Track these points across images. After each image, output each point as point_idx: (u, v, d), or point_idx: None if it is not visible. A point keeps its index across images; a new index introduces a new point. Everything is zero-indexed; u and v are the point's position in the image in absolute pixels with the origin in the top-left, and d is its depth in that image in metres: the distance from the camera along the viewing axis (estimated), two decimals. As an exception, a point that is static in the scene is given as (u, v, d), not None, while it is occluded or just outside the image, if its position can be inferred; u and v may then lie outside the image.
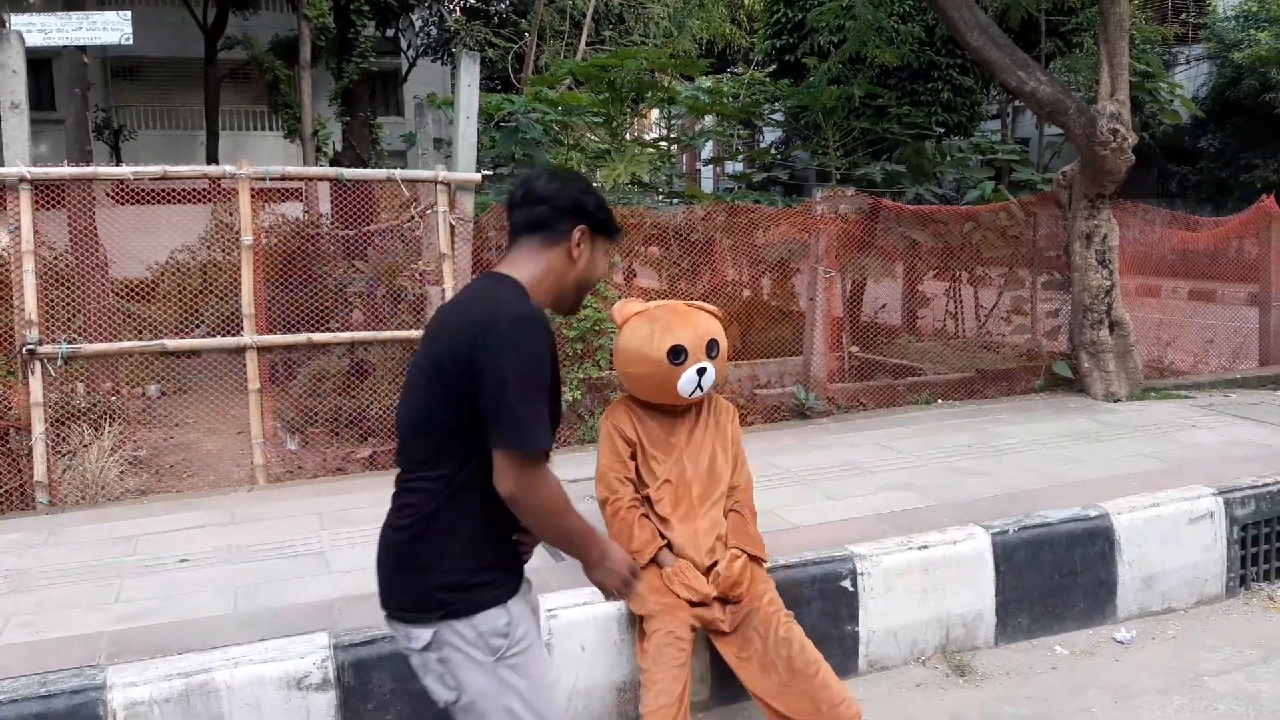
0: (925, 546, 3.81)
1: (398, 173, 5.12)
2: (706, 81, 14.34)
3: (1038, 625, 3.99)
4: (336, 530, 4.02)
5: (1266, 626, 4.05)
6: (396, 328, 5.58)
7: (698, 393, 3.22)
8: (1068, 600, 4.04)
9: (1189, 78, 19.12)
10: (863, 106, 9.74)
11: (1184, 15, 20.73)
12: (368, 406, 5.97)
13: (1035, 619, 3.98)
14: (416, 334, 5.45)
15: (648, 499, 3.25)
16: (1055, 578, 4.01)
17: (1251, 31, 18.10)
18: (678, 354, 3.15)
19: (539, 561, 3.62)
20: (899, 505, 4.26)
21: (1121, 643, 3.95)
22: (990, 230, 6.91)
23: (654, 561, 3.12)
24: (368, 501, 4.44)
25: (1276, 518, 4.46)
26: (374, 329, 5.49)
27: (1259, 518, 4.42)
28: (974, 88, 11.55)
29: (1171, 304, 9.23)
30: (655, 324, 3.21)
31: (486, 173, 6.02)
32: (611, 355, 3.46)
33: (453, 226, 5.30)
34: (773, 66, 12.76)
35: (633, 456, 3.27)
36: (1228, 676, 3.59)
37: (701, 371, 3.18)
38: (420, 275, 5.84)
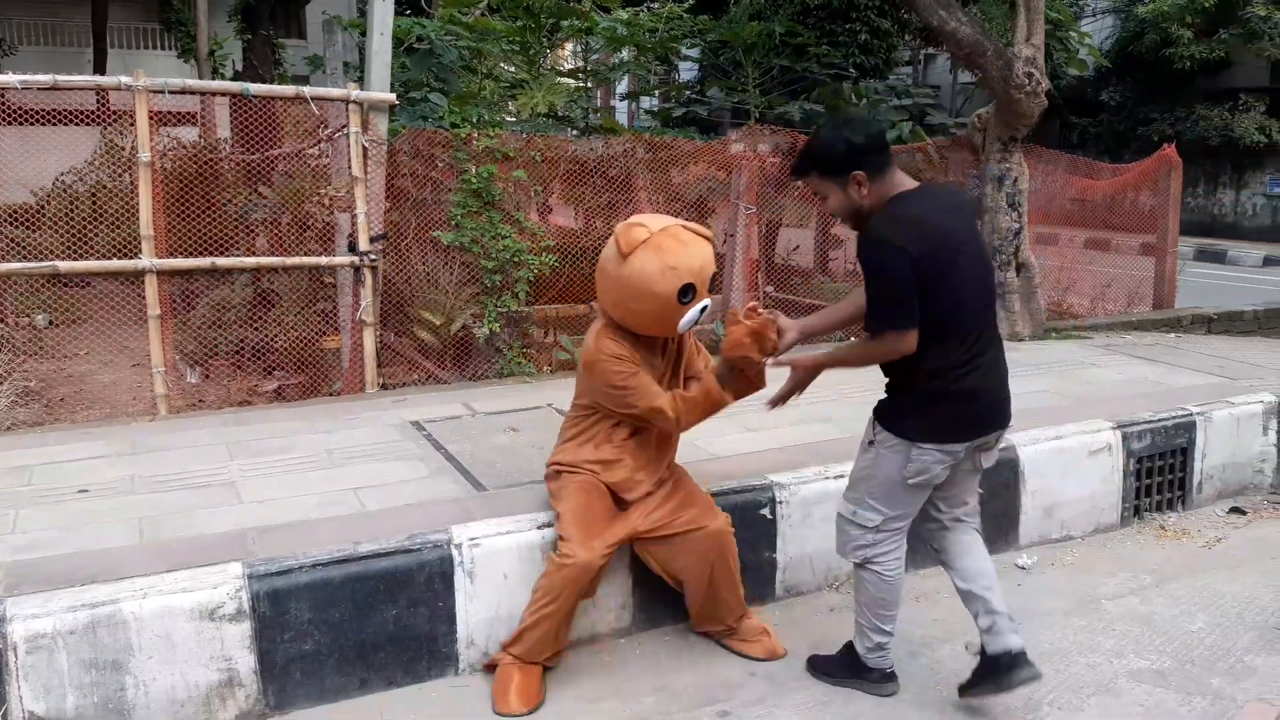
0: (841, 476, 3.86)
1: (307, 90, 4.88)
2: (623, 14, 14.09)
3: (945, 552, 4.12)
4: (247, 460, 3.88)
5: (1158, 553, 4.26)
6: (307, 254, 5.37)
7: (692, 328, 3.07)
8: (973, 528, 4.17)
9: (1094, 30, 19.59)
10: (783, 44, 9.70)
11: (1090, -32, 21.19)
12: (274, 338, 5.78)
13: (943, 546, 4.11)
14: (325, 261, 5.27)
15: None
16: (962, 507, 4.13)
17: (1154, -14, 18.63)
18: (686, 293, 2.93)
19: (461, 492, 3.59)
20: (818, 437, 4.33)
21: (1023, 568, 4.11)
22: (906, 171, 6.98)
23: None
24: (280, 432, 4.32)
25: (1169, 451, 4.69)
26: (284, 255, 5.27)
27: (1153, 451, 4.63)
28: (890, 30, 11.63)
29: (1070, 251, 9.54)
30: (664, 256, 2.91)
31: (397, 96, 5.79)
32: (600, 281, 3.08)
33: (365, 149, 5.09)
34: (691, 0, 12.60)
35: None
36: (1123, 600, 3.77)
37: (704, 309, 3.01)
38: (330, 201, 5.63)
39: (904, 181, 2.84)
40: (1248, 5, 17.27)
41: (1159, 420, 4.68)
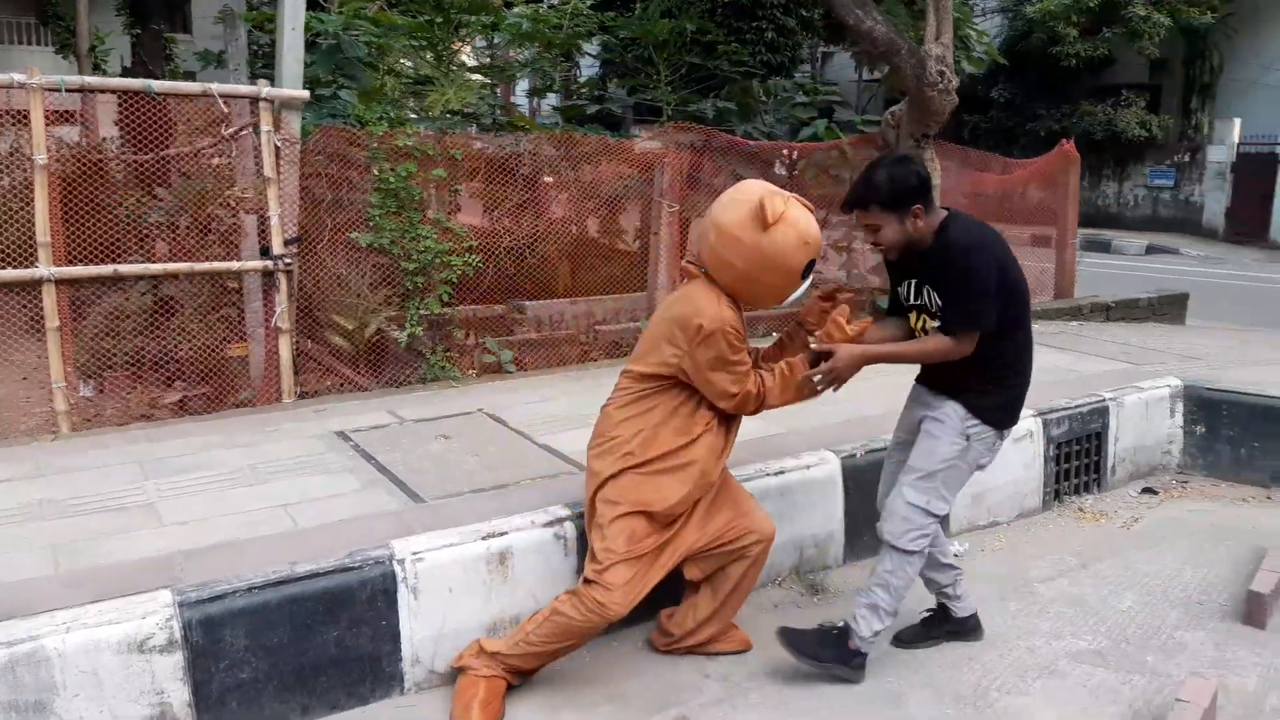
0: (782, 472, 3.89)
1: (215, 86, 4.64)
2: (523, 9, 13.89)
3: (880, 544, 4.17)
4: (164, 479, 3.67)
5: (1080, 535, 4.40)
6: (209, 260, 5.11)
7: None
8: (908, 519, 4.24)
9: (983, 29, 20.25)
10: (693, 42, 9.72)
11: (979, -31, 21.87)
12: (176, 347, 5.50)
13: (879, 538, 4.16)
14: (237, 266, 5.04)
15: None
16: (897, 498, 4.20)
17: (1041, -13, 19.34)
18: (809, 269, 2.91)
19: (398, 504, 3.47)
20: (754, 433, 4.31)
21: (956, 555, 4.18)
22: (822, 167, 7.08)
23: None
24: (195, 447, 4.11)
25: (1085, 436, 4.85)
26: (188, 260, 5.00)
27: (1071, 436, 4.79)
28: (795, 29, 11.76)
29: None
30: (801, 230, 2.84)
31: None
32: (720, 248, 2.86)
33: (278, 148, 4.88)
34: (594, -1, 12.52)
35: None
36: (1053, 582, 3.88)
37: (809, 280, 2.97)
38: (236, 203, 5.38)
39: (939, 209, 3.08)
40: (1129, 5, 18.08)
41: (1075, 407, 4.84)
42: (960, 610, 3.40)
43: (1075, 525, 4.55)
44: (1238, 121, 19.02)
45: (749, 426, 4.39)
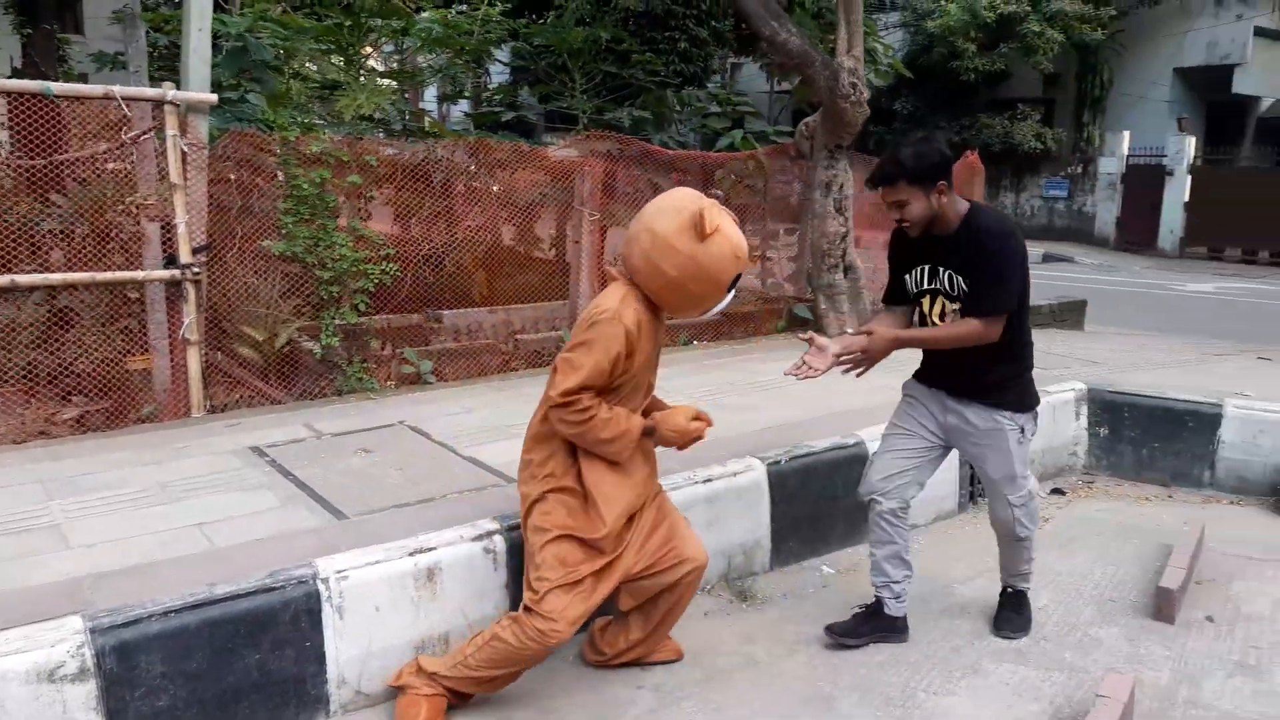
0: (709, 480, 3.91)
1: (118, 89, 4.44)
2: (432, 14, 13.69)
3: (806, 548, 4.24)
4: (70, 499, 3.49)
5: (995, 536, 4.51)
6: (110, 269, 4.88)
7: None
8: (831, 523, 4.32)
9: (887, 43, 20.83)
10: (608, 51, 9.74)
11: (883, -15, 22.50)
12: (73, 361, 5.24)
13: (804, 542, 4.23)
14: (143, 275, 4.83)
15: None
16: (821, 503, 4.27)
17: (942, 3, 19.96)
18: (734, 282, 2.91)
19: (319, 521, 3.37)
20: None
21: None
22: (739, 177, 7.16)
23: (644, 433, 2.93)
24: (102, 465, 3.93)
25: (998, 439, 4.99)
26: (90, 270, 4.77)
27: (984, 440, 4.91)
28: (708, 40, 11.88)
29: (882, 253, 10.02)
30: (734, 242, 2.83)
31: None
32: (654, 255, 2.79)
33: (184, 153, 4.70)
34: (510, 4, 12.43)
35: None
36: (971, 583, 3.98)
37: (732, 294, 2.96)
38: (138, 209, 5.17)
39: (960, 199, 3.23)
40: (1024, 22, 18.80)
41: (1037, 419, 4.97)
42: (896, 610, 3.49)
43: (989, 526, 4.66)
44: (1127, 134, 19.95)
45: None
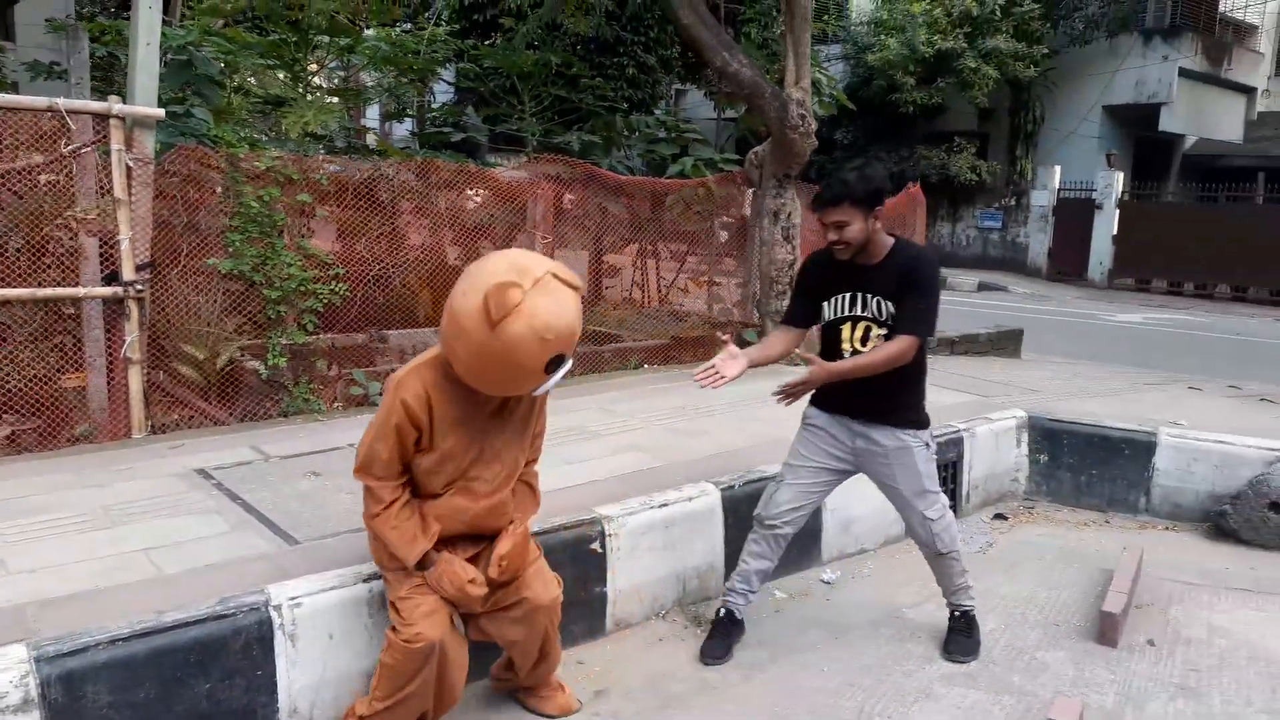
0: (665, 504, 3.92)
1: (62, 102, 4.33)
2: (378, 32, 13.59)
3: (758, 574, 4.25)
4: (6, 523, 3.36)
5: (942, 560, 4.59)
6: (46, 284, 4.73)
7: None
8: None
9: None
10: (558, 75, 9.78)
11: (825, 17, 22.97)
12: (5, 379, 5.07)
13: (756, 568, 4.24)
14: (81, 292, 4.70)
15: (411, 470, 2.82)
16: (773, 529, 4.29)
17: (882, 37, 20.43)
18: (557, 363, 2.62)
19: (270, 547, 3.30)
20: (632, 466, 4.35)
21: (828, 583, 4.32)
22: (688, 204, 7.22)
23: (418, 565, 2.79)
24: (40, 487, 3.80)
25: (943, 465, 5.04)
26: (27, 286, 4.62)
27: (930, 466, 5.00)
28: (655, 67, 12.00)
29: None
30: (538, 324, 2.50)
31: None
32: (447, 334, 2.61)
33: (130, 168, 4.60)
34: (457, 25, 12.42)
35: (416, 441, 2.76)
36: (921, 607, 4.04)
37: (565, 373, 2.68)
38: (77, 224, 5.03)
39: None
40: (961, 57, 19.33)
41: (934, 438, 5.06)
42: (742, 611, 3.65)
43: (936, 551, 4.74)
44: (1058, 169, 20.57)
45: (623, 460, 4.43)
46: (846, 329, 3.36)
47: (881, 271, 3.30)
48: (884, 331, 3.30)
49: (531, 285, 2.51)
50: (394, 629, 2.77)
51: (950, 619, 3.70)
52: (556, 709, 3.16)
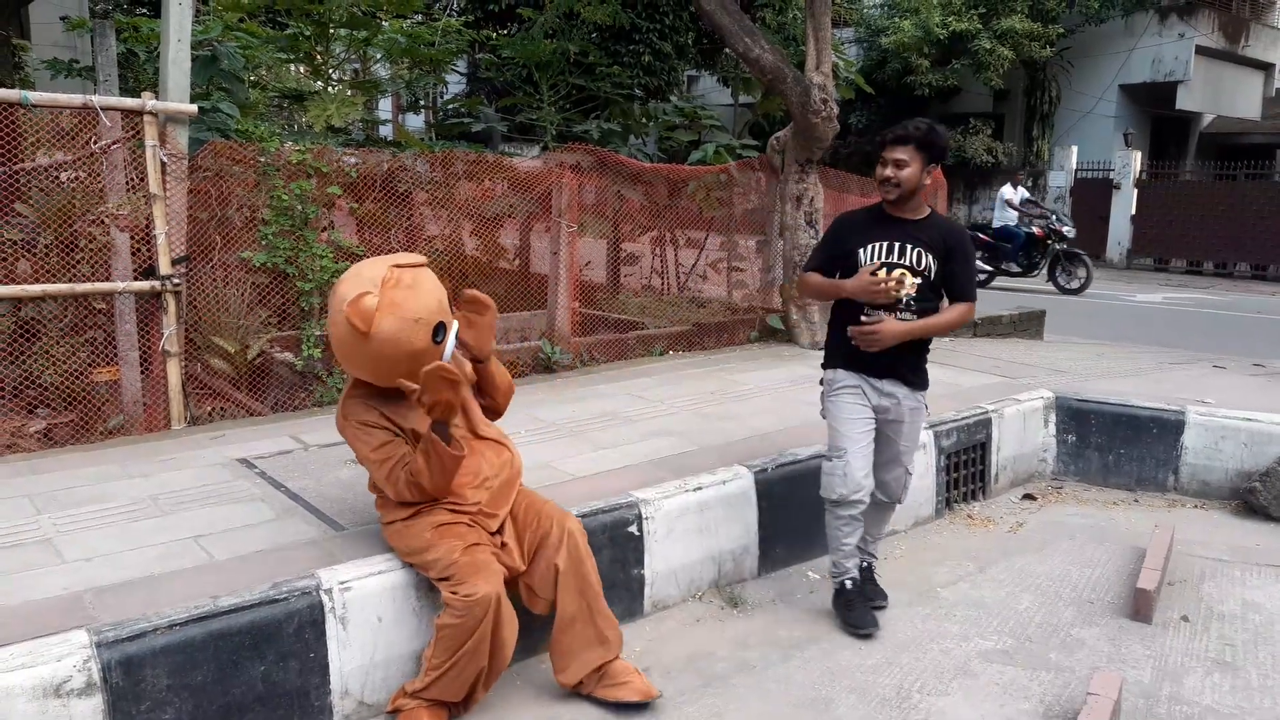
0: (699, 488, 3.96)
1: (97, 99, 4.39)
2: (394, 24, 13.60)
3: (792, 555, 4.30)
4: (59, 513, 3.44)
5: (973, 540, 4.64)
6: (78, 280, 4.80)
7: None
8: (816, 530, 4.35)
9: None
10: (575, 64, 9.79)
11: (840, 1, 22.87)
12: (39, 373, 5.15)
13: (790, 549, 4.29)
14: (119, 286, 4.77)
15: None
16: (805, 510, 4.32)
17: (896, 20, 20.32)
18: (438, 333, 2.92)
19: (317, 533, 3.36)
20: (666, 450, 4.39)
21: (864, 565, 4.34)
22: (709, 190, 7.24)
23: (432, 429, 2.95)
24: (87, 479, 3.88)
25: (972, 446, 5.12)
26: (64, 281, 4.69)
27: (959, 447, 5.05)
28: (671, 54, 11.99)
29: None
30: (403, 312, 2.84)
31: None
32: (339, 356, 3.00)
33: (164, 164, 4.66)
34: (470, 16, 12.43)
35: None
36: (955, 587, 4.08)
37: (455, 336, 3.00)
38: (110, 220, 5.10)
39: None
40: (975, 39, 19.23)
41: (963, 419, 5.10)
42: (857, 576, 3.81)
43: (966, 531, 4.79)
44: (1075, 149, 20.45)
45: (657, 444, 4.47)
46: (881, 275, 3.46)
47: (923, 228, 3.50)
48: (918, 281, 3.43)
49: (379, 286, 2.83)
50: (451, 593, 2.86)
51: (870, 568, 3.89)
52: (637, 694, 3.06)
